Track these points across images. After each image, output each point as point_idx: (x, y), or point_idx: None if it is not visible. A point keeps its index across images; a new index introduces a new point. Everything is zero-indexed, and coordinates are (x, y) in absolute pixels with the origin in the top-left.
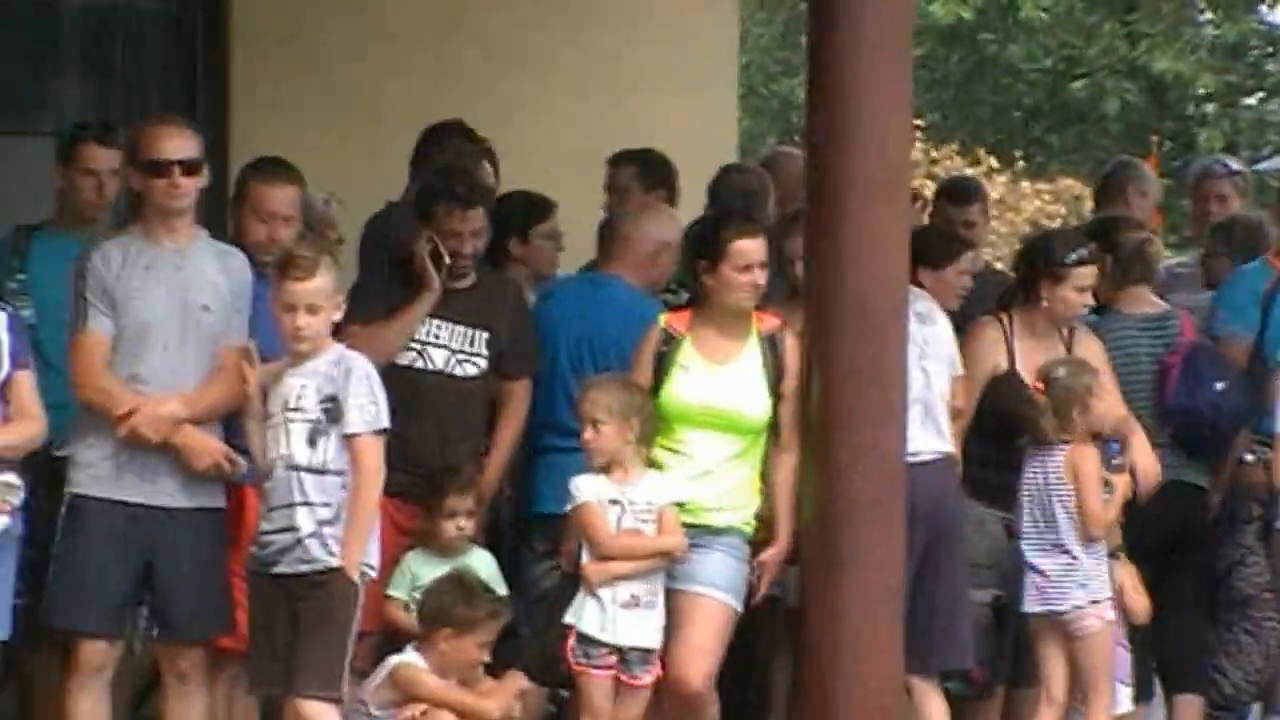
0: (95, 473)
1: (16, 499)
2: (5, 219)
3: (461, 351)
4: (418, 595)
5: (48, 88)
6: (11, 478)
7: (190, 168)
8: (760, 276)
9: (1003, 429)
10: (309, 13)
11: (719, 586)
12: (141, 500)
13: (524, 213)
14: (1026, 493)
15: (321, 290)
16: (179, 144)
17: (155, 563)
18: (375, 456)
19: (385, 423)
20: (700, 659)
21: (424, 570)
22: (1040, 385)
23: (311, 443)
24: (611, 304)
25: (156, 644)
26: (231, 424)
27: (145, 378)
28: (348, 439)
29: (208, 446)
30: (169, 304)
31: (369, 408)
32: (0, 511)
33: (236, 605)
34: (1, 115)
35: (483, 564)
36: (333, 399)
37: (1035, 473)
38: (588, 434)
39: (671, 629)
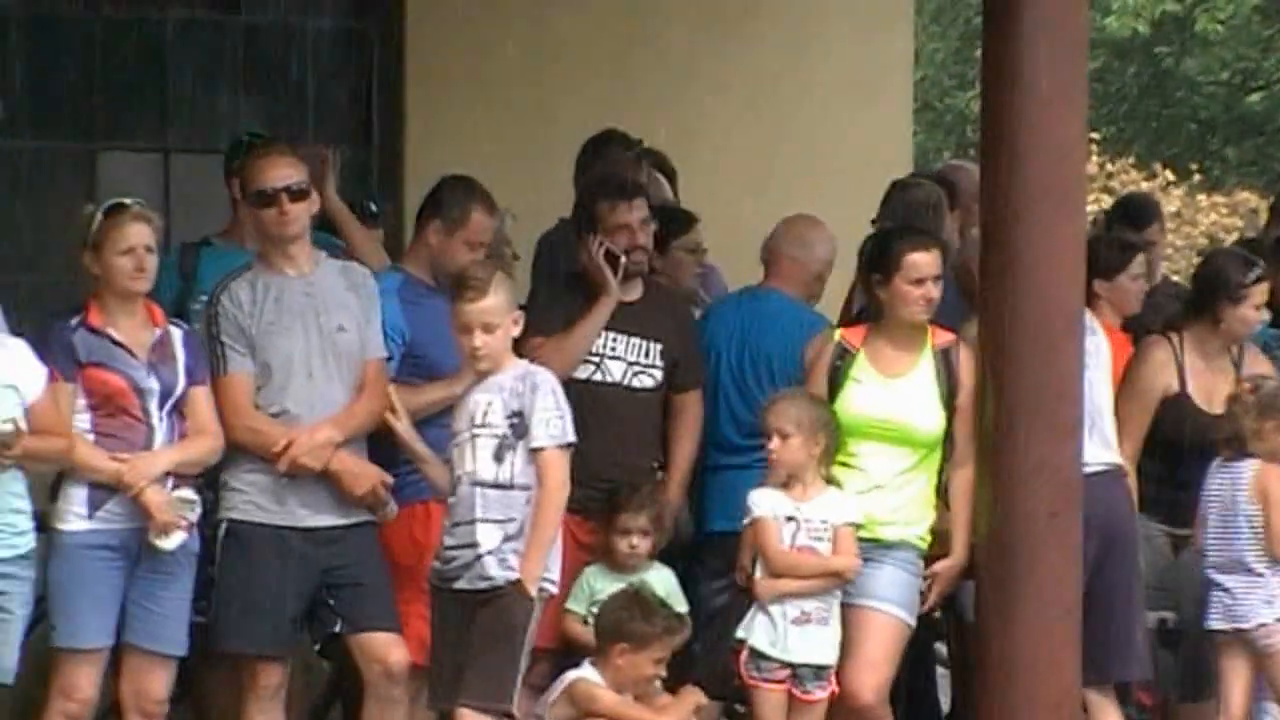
0: (253, 498)
1: (193, 514)
2: (194, 236)
3: (638, 363)
4: (595, 610)
5: (224, 105)
6: (188, 493)
7: (297, 194)
8: (933, 290)
9: (1172, 448)
10: (485, 31)
11: (891, 601)
12: (305, 524)
13: (663, 226)
14: (1211, 508)
15: (496, 308)
16: (284, 172)
17: (327, 581)
18: (561, 471)
19: (571, 437)
20: (872, 673)
21: (602, 585)
22: (1248, 387)
23: (498, 458)
24: (772, 318)
25: (362, 647)
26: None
27: (294, 409)
28: (534, 453)
29: (365, 471)
30: (305, 333)
31: (555, 422)
32: (177, 527)
33: (419, 619)
34: (179, 133)
35: (661, 580)
36: (519, 414)
37: (1221, 488)
38: (774, 445)
39: (844, 643)
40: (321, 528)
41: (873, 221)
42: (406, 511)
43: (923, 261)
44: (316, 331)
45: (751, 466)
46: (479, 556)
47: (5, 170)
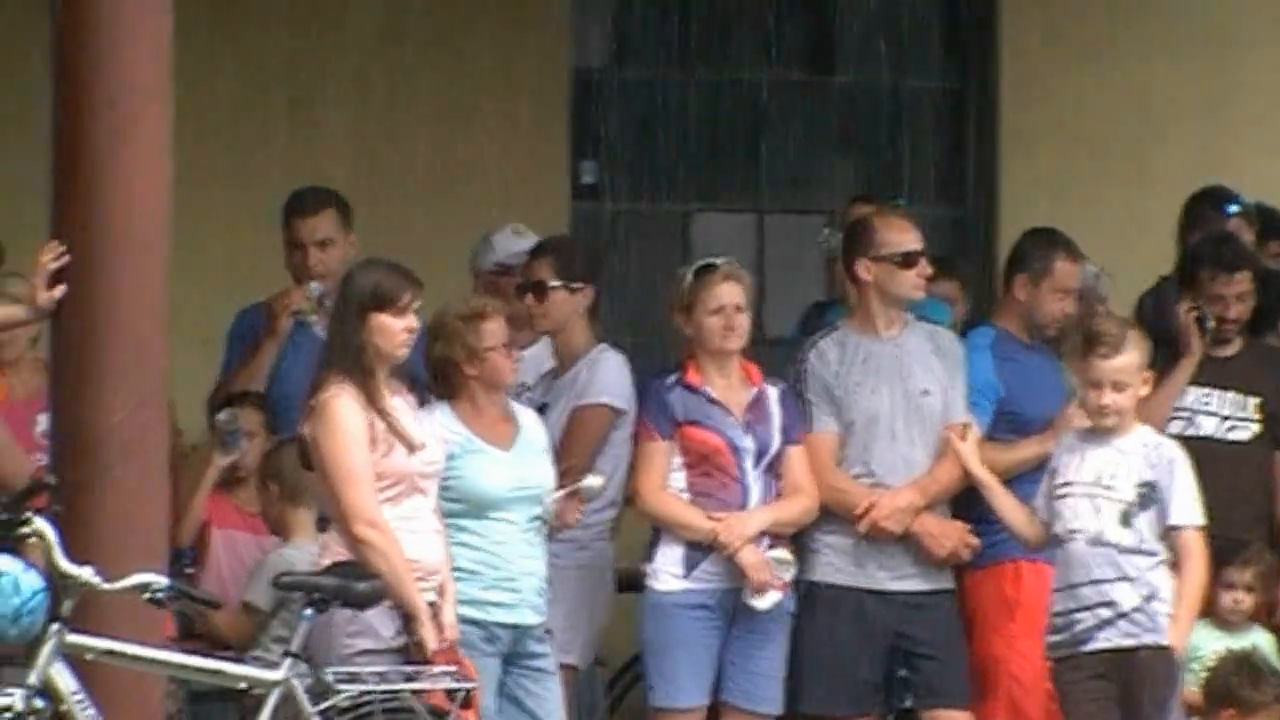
0: (831, 559)
1: (788, 575)
2: (788, 297)
3: (1232, 417)
4: (1194, 666)
5: (818, 166)
6: (783, 553)
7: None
8: None
9: None
10: (1079, 87)
11: None
12: (884, 588)
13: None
14: None
15: (1128, 367)
16: (918, 235)
17: (902, 646)
18: (1202, 545)
19: (1202, 519)
20: None
21: (1204, 641)
22: None
23: (1125, 523)
24: None
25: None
26: None
27: (876, 469)
28: (1171, 529)
29: (947, 531)
30: (891, 394)
31: (1193, 502)
32: (772, 587)
33: (1009, 679)
34: (773, 194)
35: (1263, 642)
36: (1150, 485)
37: None
38: None
39: None
40: (900, 592)
41: None
42: (995, 570)
43: None
44: (902, 394)
45: None
46: (1122, 615)
47: (602, 232)
